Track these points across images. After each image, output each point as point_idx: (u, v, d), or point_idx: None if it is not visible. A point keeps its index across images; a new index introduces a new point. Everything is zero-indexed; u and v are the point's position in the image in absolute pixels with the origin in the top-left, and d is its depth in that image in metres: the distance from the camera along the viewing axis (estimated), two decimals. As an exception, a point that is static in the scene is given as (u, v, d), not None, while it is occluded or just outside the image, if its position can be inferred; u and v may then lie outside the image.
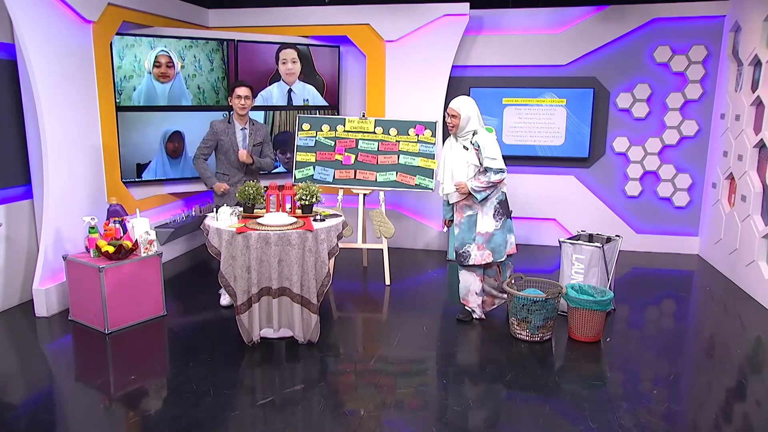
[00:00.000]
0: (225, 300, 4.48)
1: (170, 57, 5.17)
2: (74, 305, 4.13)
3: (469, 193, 3.93)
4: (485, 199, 3.95)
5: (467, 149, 3.93)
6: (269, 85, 5.77)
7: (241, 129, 4.42)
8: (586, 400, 3.11)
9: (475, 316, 4.21)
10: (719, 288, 5.06)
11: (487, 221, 3.98)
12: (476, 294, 4.15)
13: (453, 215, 4.21)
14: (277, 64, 5.78)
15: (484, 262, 4.02)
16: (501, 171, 3.90)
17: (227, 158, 4.42)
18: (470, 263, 4.03)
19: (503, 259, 4.08)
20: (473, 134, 3.93)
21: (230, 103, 4.41)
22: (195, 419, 2.88)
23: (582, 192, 6.25)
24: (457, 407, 3.04)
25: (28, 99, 4.23)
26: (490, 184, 3.90)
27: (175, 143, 5.34)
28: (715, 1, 5.62)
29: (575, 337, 3.88)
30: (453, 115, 3.92)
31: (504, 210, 4.03)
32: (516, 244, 4.14)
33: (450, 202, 4.13)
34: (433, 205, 6.11)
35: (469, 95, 6.06)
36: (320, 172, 5.22)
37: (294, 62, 5.80)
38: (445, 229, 4.38)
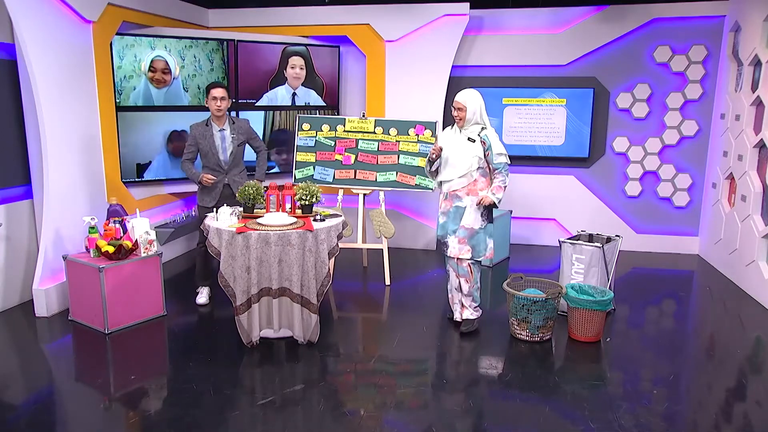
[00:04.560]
0: (202, 299, 4.52)
1: (166, 63, 5.14)
2: (74, 305, 4.13)
3: (492, 203, 3.83)
4: (467, 186, 3.85)
5: (473, 141, 3.81)
6: (270, 85, 5.78)
7: (219, 131, 4.37)
8: (586, 400, 3.11)
9: (455, 317, 4.10)
10: (719, 288, 5.06)
11: (473, 217, 3.86)
12: (455, 289, 4.06)
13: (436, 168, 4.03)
14: (285, 68, 5.81)
15: (461, 257, 3.89)
16: (507, 167, 3.83)
17: (207, 161, 4.40)
18: (448, 254, 3.95)
19: (479, 259, 3.96)
20: (482, 129, 3.84)
21: (206, 105, 4.35)
22: (195, 419, 2.88)
23: (582, 192, 6.25)
24: (457, 407, 3.04)
25: (28, 99, 4.22)
26: (505, 183, 3.84)
27: (175, 143, 5.34)
28: (715, 1, 5.62)
29: (575, 337, 3.88)
30: (459, 108, 3.81)
31: (489, 214, 3.92)
32: (507, 250, 4.05)
33: (444, 191, 3.96)
34: (433, 204, 6.10)
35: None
36: (320, 172, 5.22)
37: (302, 69, 5.87)
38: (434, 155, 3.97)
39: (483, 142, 3.80)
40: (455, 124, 3.94)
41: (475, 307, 4.05)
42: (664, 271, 5.61)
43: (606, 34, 5.88)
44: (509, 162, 3.87)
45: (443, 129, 4.15)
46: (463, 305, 4.05)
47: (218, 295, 4.52)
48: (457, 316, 4.11)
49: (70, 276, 4.11)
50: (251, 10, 6.09)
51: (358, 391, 3.23)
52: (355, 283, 5.24)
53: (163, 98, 5.21)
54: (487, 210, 3.92)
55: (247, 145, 4.55)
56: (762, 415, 3.00)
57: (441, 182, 3.99)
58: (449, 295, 4.17)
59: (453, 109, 3.87)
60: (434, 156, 3.94)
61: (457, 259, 3.95)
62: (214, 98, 4.27)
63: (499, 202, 3.83)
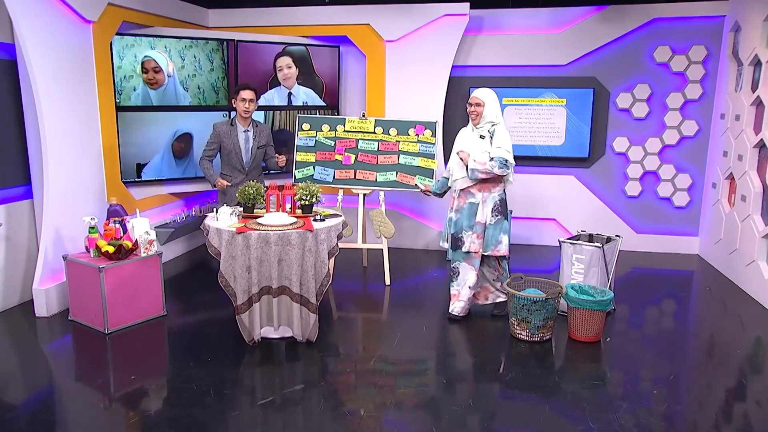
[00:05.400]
0: None
1: (156, 62, 5.12)
2: (74, 305, 4.13)
3: (466, 167, 3.97)
4: (479, 182, 3.99)
5: (483, 138, 3.97)
6: (270, 87, 5.77)
7: (244, 131, 4.49)
8: (586, 400, 3.11)
9: (456, 313, 4.18)
10: (719, 288, 5.06)
11: (486, 212, 4.02)
12: (470, 287, 4.14)
13: (442, 192, 4.37)
14: (276, 72, 5.81)
15: (477, 251, 4.05)
16: (505, 164, 3.89)
17: (229, 160, 4.49)
18: (465, 249, 4.05)
19: (501, 255, 4.07)
20: (492, 125, 3.99)
21: (234, 105, 4.46)
22: (195, 419, 2.88)
23: (582, 192, 6.25)
24: (457, 407, 3.04)
25: (28, 99, 4.22)
26: (489, 172, 3.90)
27: (182, 144, 5.34)
28: (715, 1, 5.62)
29: (575, 337, 3.88)
30: (477, 104, 3.96)
31: (502, 209, 4.05)
32: (509, 248, 4.05)
33: (456, 188, 4.12)
34: (433, 205, 6.11)
35: (468, 95, 6.08)
36: (320, 172, 5.22)
37: (289, 68, 5.84)
38: (421, 186, 4.53)
39: (491, 137, 3.95)
40: (469, 123, 4.10)
41: (501, 286, 4.22)
42: (664, 271, 5.61)
43: (606, 34, 5.88)
44: (510, 161, 3.91)
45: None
46: (478, 293, 4.27)
47: (218, 295, 4.52)
48: (459, 311, 4.18)
49: (70, 276, 4.11)
50: (251, 10, 6.09)
51: (358, 391, 3.23)
52: (355, 283, 5.24)
53: (159, 98, 5.20)
54: (501, 206, 4.04)
55: None
56: (762, 415, 3.00)
57: (454, 180, 4.12)
58: (455, 292, 4.19)
59: (469, 105, 4.01)
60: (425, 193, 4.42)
61: (482, 254, 4.08)
62: (243, 99, 4.37)
63: (469, 170, 3.92)
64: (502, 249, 4.03)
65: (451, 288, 4.23)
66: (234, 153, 4.45)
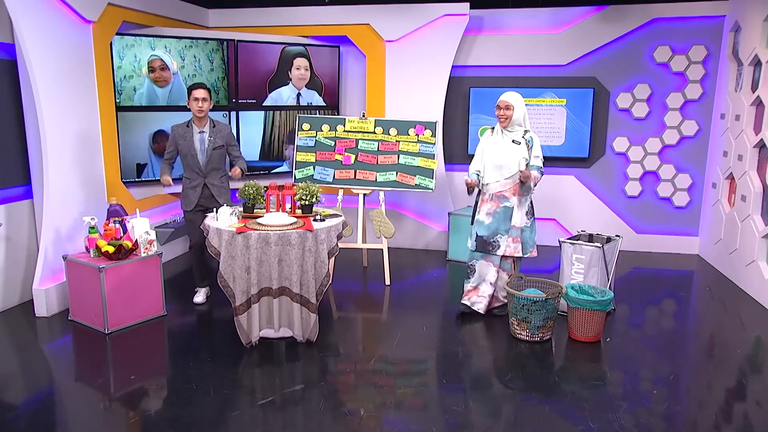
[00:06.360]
0: (199, 297, 4.54)
1: (162, 60, 5.12)
2: (74, 305, 4.13)
3: (521, 183, 4.02)
4: (514, 186, 4.07)
5: (518, 143, 4.02)
6: (269, 87, 5.77)
7: (199, 132, 4.29)
8: (586, 400, 3.11)
9: (477, 308, 4.21)
10: (719, 288, 5.06)
11: (521, 216, 4.07)
12: (490, 284, 4.19)
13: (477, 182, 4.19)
14: (289, 69, 5.83)
15: (513, 255, 4.09)
16: (542, 170, 4.08)
17: (187, 162, 4.33)
18: (499, 253, 4.09)
19: (526, 255, 4.17)
20: (525, 131, 4.05)
21: (188, 105, 4.28)
22: (195, 419, 2.88)
23: (582, 192, 6.25)
24: (457, 407, 3.04)
25: (28, 99, 4.22)
26: (538, 181, 4.07)
27: (159, 143, 5.30)
28: (715, 1, 5.62)
29: (575, 337, 3.88)
30: (507, 107, 4.01)
31: (532, 211, 4.14)
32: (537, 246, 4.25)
33: (488, 192, 4.12)
34: (433, 205, 6.11)
35: (469, 95, 6.11)
36: (320, 172, 5.22)
37: (306, 70, 5.90)
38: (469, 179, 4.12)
39: (527, 144, 4.01)
40: (496, 127, 4.15)
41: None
42: (664, 271, 5.61)
43: (606, 34, 5.88)
44: (543, 168, 4.09)
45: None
46: (496, 297, 4.27)
47: (218, 295, 4.52)
48: (482, 307, 4.21)
49: (70, 276, 4.11)
50: (251, 10, 6.09)
51: (358, 391, 3.23)
52: (355, 283, 5.24)
53: (168, 96, 5.21)
54: (531, 207, 4.14)
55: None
56: (762, 415, 3.00)
57: (484, 184, 4.15)
58: (471, 288, 4.24)
59: (497, 108, 4.06)
60: (470, 187, 4.12)
61: (503, 256, 4.13)
62: (196, 99, 4.19)
63: (534, 188, 4.07)
64: (533, 248, 4.17)
65: (466, 284, 4.29)
66: (189, 155, 4.28)
